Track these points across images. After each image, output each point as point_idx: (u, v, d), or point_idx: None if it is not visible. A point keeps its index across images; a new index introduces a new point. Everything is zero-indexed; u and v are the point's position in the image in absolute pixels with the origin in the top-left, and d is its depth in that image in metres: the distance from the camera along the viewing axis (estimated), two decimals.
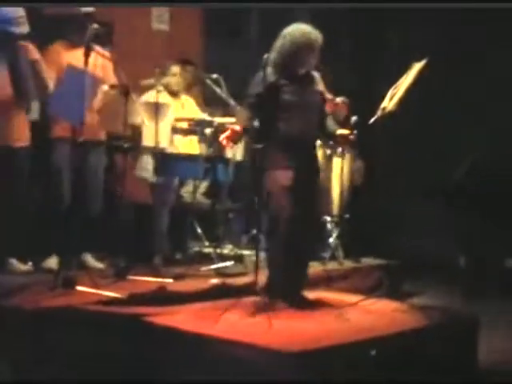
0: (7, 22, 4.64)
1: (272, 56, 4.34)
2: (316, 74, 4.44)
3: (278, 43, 4.35)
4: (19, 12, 4.71)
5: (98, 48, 4.90)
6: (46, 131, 5.06)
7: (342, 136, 4.54)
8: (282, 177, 4.24)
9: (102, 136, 5.21)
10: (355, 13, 7.49)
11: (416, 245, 7.36)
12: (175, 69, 5.68)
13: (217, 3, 6.68)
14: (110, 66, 5.15)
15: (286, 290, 4.36)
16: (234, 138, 4.30)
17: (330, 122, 4.57)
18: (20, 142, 4.82)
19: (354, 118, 5.71)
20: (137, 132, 5.30)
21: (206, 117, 5.60)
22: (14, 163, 4.80)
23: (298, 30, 4.32)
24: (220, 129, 5.42)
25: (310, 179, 4.42)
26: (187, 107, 5.78)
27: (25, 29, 4.71)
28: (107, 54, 5.11)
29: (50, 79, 4.91)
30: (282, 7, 6.86)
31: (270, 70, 4.30)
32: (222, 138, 4.30)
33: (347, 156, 6.04)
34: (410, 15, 7.37)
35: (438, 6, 6.27)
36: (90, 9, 5.06)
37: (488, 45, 7.20)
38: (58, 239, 4.93)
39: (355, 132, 5.12)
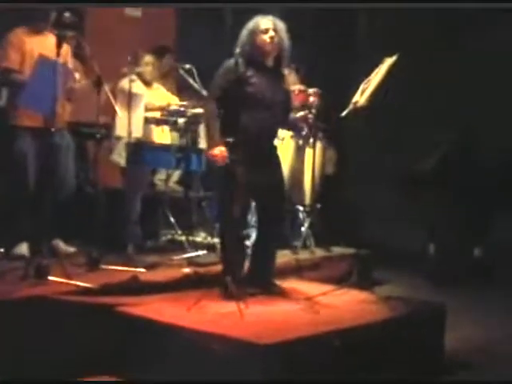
0: None
1: (236, 49, 4.41)
2: (286, 71, 4.49)
3: (240, 36, 4.46)
4: None
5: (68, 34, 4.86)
6: (12, 118, 5.00)
7: (300, 118, 4.73)
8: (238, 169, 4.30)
9: (72, 125, 5.19)
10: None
11: (386, 233, 7.46)
12: (148, 58, 5.67)
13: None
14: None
15: (254, 277, 4.48)
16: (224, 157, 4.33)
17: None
18: None
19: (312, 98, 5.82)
20: (111, 120, 5.28)
21: (178, 106, 5.59)
22: None
23: (253, 20, 4.45)
24: (192, 119, 5.45)
25: (270, 173, 4.51)
26: (159, 96, 5.77)
27: None
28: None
29: (12, 62, 4.87)
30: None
31: (229, 61, 4.38)
32: (214, 156, 4.33)
33: (319, 146, 6.08)
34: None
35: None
36: None
37: (460, 35, 7.27)
38: (27, 226, 4.92)
39: (313, 112, 5.26)
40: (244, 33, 4.44)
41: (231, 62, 4.35)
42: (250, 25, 4.44)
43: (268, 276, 4.59)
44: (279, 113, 4.48)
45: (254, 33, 4.40)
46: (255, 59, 4.41)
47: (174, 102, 5.78)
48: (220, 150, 4.29)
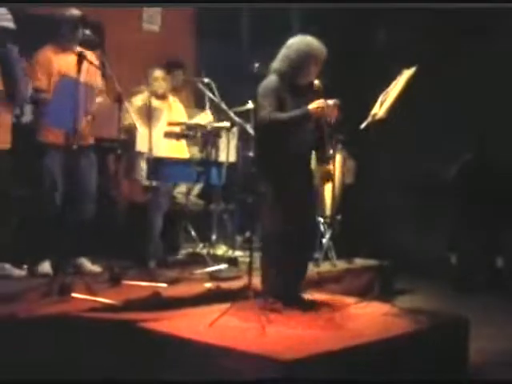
0: None
1: (276, 65, 4.39)
2: (320, 86, 4.42)
3: (283, 52, 4.40)
4: (3, 9, 4.70)
5: (89, 55, 4.92)
6: (37, 135, 5.06)
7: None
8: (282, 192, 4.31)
9: (93, 140, 5.24)
10: (346, 17, 7.57)
11: (407, 243, 7.43)
12: (157, 73, 5.70)
13: (211, 3, 6.70)
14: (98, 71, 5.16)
15: (285, 291, 4.44)
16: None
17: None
18: (3, 143, 4.79)
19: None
20: (131, 136, 5.31)
21: (197, 120, 5.63)
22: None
23: (304, 41, 4.38)
24: (213, 133, 5.48)
25: (307, 188, 4.49)
26: (174, 109, 5.81)
27: (13, 25, 4.70)
28: (97, 60, 5.12)
29: (40, 82, 4.92)
30: (277, 7, 6.91)
31: (273, 77, 4.36)
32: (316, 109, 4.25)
33: (338, 157, 6.07)
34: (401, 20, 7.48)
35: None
36: (79, 12, 5.06)
37: (477, 46, 7.25)
38: (51, 243, 4.96)
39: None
40: (292, 52, 4.35)
41: (272, 79, 4.32)
42: (302, 47, 4.34)
43: (299, 290, 4.57)
44: (313, 132, 4.45)
45: (307, 59, 4.33)
46: (295, 81, 4.38)
47: (193, 115, 5.82)
48: (316, 104, 4.23)
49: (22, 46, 4.85)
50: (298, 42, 4.38)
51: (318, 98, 4.32)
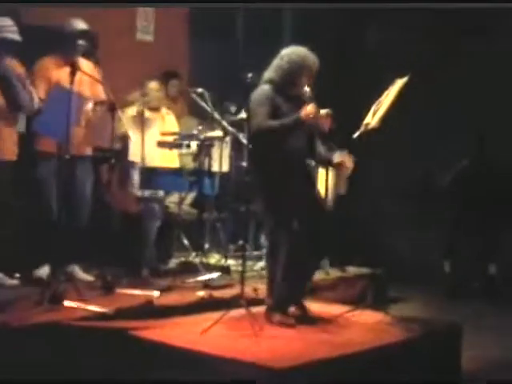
0: (2, 29, 4.66)
1: (269, 75, 4.41)
2: (310, 93, 4.42)
3: (276, 63, 4.42)
4: (9, 21, 4.73)
5: (83, 64, 4.93)
6: (32, 144, 5.07)
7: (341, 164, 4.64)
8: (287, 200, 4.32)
9: (88, 151, 5.24)
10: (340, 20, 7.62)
11: (400, 251, 7.44)
12: (152, 84, 5.70)
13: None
14: (95, 81, 5.16)
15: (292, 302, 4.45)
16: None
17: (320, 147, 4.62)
18: (8, 155, 4.83)
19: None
20: (124, 146, 5.32)
21: (190, 131, 5.63)
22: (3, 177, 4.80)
23: (297, 52, 4.41)
24: (206, 142, 5.48)
25: (310, 197, 4.49)
26: (167, 121, 5.81)
27: (18, 37, 4.73)
28: (92, 70, 5.13)
29: (39, 94, 4.92)
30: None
31: (266, 87, 4.38)
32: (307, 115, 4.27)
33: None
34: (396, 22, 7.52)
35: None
36: (84, 26, 5.08)
37: (476, 46, 7.28)
38: (46, 251, 4.95)
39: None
40: (285, 62, 4.38)
41: (265, 88, 4.35)
42: (294, 58, 4.38)
43: (303, 298, 4.57)
44: (308, 138, 4.46)
45: (299, 69, 4.36)
46: (289, 91, 4.40)
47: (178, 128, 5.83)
48: (306, 109, 4.25)
49: (23, 58, 4.89)
50: (291, 52, 4.42)
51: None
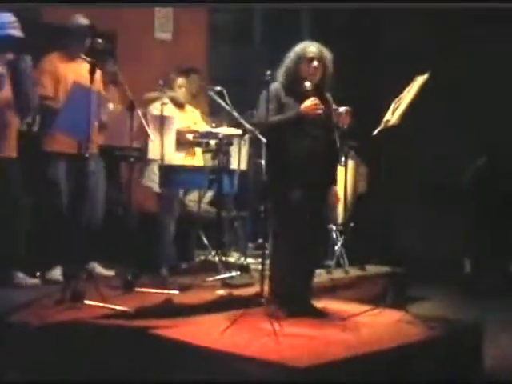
0: (4, 26, 4.62)
1: (277, 73, 4.43)
2: (310, 87, 4.41)
3: (284, 61, 4.44)
4: (12, 17, 4.72)
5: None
6: (44, 144, 5.06)
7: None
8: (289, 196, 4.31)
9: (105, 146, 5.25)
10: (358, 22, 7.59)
11: (420, 249, 7.40)
12: (181, 81, 5.70)
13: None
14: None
15: (292, 298, 4.42)
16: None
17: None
18: (13, 152, 4.80)
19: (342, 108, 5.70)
20: (143, 143, 5.32)
21: (210, 129, 5.63)
22: (8, 174, 4.77)
23: (300, 45, 4.43)
24: (224, 140, 5.48)
25: (318, 196, 4.47)
26: (192, 119, 5.81)
27: (20, 33, 4.72)
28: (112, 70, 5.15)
29: (46, 89, 4.94)
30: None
31: (275, 84, 4.39)
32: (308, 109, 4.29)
33: (350, 164, 6.07)
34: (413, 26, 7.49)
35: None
36: (87, 22, 5.08)
37: (488, 46, 7.23)
38: (60, 250, 4.97)
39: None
40: (288, 58, 4.43)
41: (273, 86, 4.36)
42: (296, 50, 4.42)
43: (307, 297, 4.56)
44: (322, 132, 4.44)
45: (299, 60, 4.38)
46: (295, 87, 4.40)
47: (207, 123, 5.82)
48: (307, 104, 4.26)
49: (30, 55, 4.88)
50: (296, 47, 4.44)
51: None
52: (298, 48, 4.42)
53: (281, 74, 4.42)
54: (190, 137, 5.51)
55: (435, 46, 7.42)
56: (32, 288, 4.76)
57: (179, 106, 5.70)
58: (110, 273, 5.22)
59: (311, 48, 4.40)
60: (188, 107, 5.83)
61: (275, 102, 4.34)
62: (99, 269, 5.23)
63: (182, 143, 5.44)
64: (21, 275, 4.85)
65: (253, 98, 5.39)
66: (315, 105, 4.27)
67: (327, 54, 4.43)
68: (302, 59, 4.38)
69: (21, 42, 4.64)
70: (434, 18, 7.22)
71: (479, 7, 6.27)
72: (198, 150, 5.64)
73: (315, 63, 4.37)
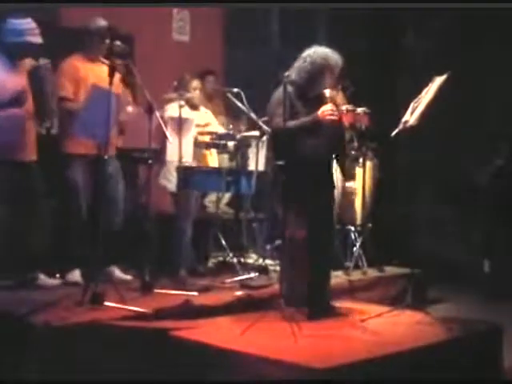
0: (24, 33, 4.68)
1: (291, 76, 4.42)
2: (332, 93, 4.44)
3: (299, 64, 4.44)
4: (31, 23, 4.75)
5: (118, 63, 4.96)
6: (64, 146, 5.08)
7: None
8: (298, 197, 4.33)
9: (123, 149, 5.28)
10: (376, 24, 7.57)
11: (439, 250, 7.36)
12: (196, 83, 5.71)
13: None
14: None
15: (312, 300, 4.44)
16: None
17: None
18: (32, 155, 4.83)
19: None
20: (161, 145, 5.34)
21: (228, 130, 5.64)
22: (29, 177, 4.81)
23: (318, 52, 4.42)
24: (242, 142, 5.48)
25: (326, 196, 4.51)
26: (206, 120, 5.82)
27: (39, 39, 4.75)
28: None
29: (67, 91, 4.96)
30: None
31: (289, 88, 4.39)
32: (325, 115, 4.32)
33: (368, 165, 6.05)
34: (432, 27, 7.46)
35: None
36: (105, 23, 5.11)
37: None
38: (79, 252, 4.99)
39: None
40: (308, 64, 4.41)
41: (287, 88, 4.35)
42: (317, 58, 4.40)
43: (325, 298, 4.55)
44: (331, 137, 4.46)
45: (322, 68, 4.39)
46: (308, 92, 4.42)
47: (221, 125, 5.83)
48: (325, 110, 4.29)
49: (50, 58, 4.92)
50: (313, 53, 4.43)
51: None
52: (319, 57, 4.39)
53: (298, 77, 4.41)
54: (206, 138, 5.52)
55: (454, 47, 7.38)
56: (52, 289, 4.80)
57: (193, 107, 5.71)
58: (128, 277, 5.23)
59: (336, 60, 4.41)
60: (202, 108, 5.84)
61: (287, 106, 4.32)
62: (118, 273, 5.25)
63: (198, 145, 5.46)
64: (42, 276, 4.89)
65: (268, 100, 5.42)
66: (332, 111, 4.29)
67: (341, 62, 4.45)
68: (326, 69, 4.39)
69: (40, 47, 4.69)
70: (453, 19, 7.19)
71: (500, 7, 6.24)
72: (215, 152, 5.65)
73: (336, 73, 4.41)
